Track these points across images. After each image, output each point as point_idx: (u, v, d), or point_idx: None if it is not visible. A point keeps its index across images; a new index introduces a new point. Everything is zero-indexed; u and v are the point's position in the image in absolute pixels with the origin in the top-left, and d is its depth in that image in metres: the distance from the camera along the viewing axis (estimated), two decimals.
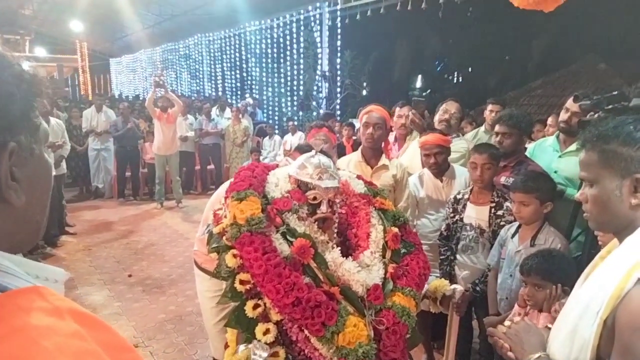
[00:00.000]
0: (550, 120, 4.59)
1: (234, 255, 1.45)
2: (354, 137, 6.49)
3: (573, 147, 2.62)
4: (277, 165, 1.85)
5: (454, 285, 1.87)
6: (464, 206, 2.62)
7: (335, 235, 1.67)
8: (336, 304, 1.39)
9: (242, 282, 1.43)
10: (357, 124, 6.10)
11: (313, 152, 1.70)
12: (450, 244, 2.70)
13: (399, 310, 1.51)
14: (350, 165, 2.79)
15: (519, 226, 2.32)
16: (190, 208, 7.51)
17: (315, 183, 1.59)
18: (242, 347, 1.38)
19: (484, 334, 2.46)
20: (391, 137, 3.96)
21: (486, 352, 2.60)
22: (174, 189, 7.67)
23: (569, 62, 10.77)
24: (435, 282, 1.89)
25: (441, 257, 2.73)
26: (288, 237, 1.49)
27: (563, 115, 2.66)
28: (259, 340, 1.37)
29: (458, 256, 2.66)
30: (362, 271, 1.53)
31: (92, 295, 4.23)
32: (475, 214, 2.58)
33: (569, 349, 1.04)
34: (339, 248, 1.58)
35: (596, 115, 1.87)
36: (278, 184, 1.66)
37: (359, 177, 1.95)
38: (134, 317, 3.79)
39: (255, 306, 1.43)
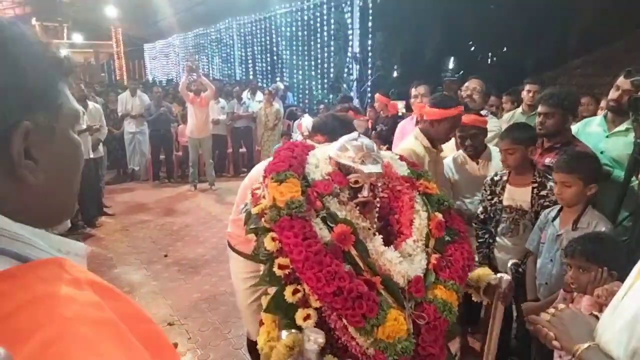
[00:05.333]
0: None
1: (273, 239, 1.40)
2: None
3: (622, 126, 2.49)
4: (314, 146, 1.77)
5: (500, 274, 1.77)
6: (503, 188, 2.54)
7: (376, 220, 1.60)
8: (377, 295, 1.34)
9: (280, 267, 1.39)
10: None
11: (355, 133, 1.62)
12: (488, 227, 2.62)
13: (441, 305, 1.44)
14: None
15: (560, 209, 2.23)
16: (223, 190, 7.61)
17: (357, 167, 1.51)
18: (285, 332, 1.33)
19: (521, 317, 2.40)
20: (413, 119, 3.85)
21: (523, 337, 2.54)
22: (207, 172, 7.78)
23: (612, 40, 10.22)
24: (478, 271, 1.79)
25: (479, 241, 2.66)
26: (328, 223, 1.43)
27: (613, 94, 2.52)
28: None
29: (498, 239, 2.58)
30: (404, 262, 1.47)
31: (130, 275, 4.36)
32: (516, 196, 2.49)
33: (627, 339, 0.98)
34: (381, 236, 1.52)
35: None
36: (318, 165, 1.59)
37: (401, 157, 1.86)
38: (170, 296, 3.89)
39: (295, 291, 1.38)
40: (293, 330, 1.32)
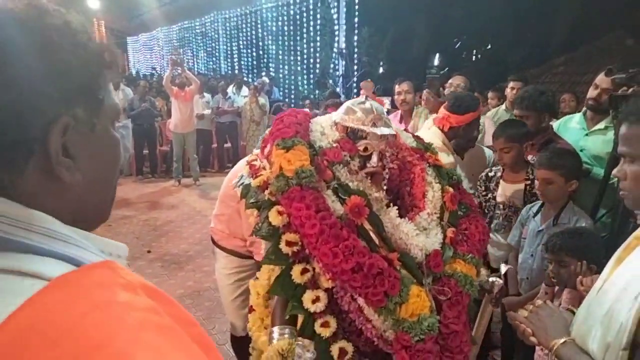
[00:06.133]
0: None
1: (279, 212, 1.28)
2: None
3: (601, 125, 2.53)
4: (315, 114, 1.66)
5: (492, 278, 1.73)
6: (497, 184, 2.55)
7: (384, 192, 1.48)
8: (397, 272, 1.26)
9: (288, 244, 1.27)
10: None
11: (362, 97, 1.51)
12: None
13: (462, 279, 1.37)
14: None
15: (542, 205, 2.26)
16: (207, 186, 7.55)
17: (369, 130, 1.38)
18: (276, 333, 1.26)
19: (505, 314, 2.42)
20: (397, 116, 3.86)
21: (507, 331, 2.58)
22: (192, 167, 7.71)
23: (594, 39, 10.39)
24: None
25: None
26: (340, 194, 1.32)
27: (592, 92, 2.55)
28: (301, 339, 1.25)
29: (492, 235, 2.58)
30: (421, 234, 1.39)
31: None
32: (509, 192, 2.50)
33: (601, 333, 0.99)
34: (396, 207, 1.42)
35: (630, 90, 1.79)
36: (324, 132, 1.47)
37: (406, 129, 1.78)
38: None
39: (304, 271, 1.27)
40: (286, 333, 1.25)
